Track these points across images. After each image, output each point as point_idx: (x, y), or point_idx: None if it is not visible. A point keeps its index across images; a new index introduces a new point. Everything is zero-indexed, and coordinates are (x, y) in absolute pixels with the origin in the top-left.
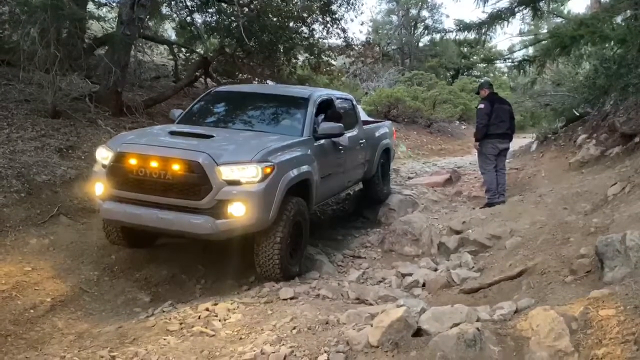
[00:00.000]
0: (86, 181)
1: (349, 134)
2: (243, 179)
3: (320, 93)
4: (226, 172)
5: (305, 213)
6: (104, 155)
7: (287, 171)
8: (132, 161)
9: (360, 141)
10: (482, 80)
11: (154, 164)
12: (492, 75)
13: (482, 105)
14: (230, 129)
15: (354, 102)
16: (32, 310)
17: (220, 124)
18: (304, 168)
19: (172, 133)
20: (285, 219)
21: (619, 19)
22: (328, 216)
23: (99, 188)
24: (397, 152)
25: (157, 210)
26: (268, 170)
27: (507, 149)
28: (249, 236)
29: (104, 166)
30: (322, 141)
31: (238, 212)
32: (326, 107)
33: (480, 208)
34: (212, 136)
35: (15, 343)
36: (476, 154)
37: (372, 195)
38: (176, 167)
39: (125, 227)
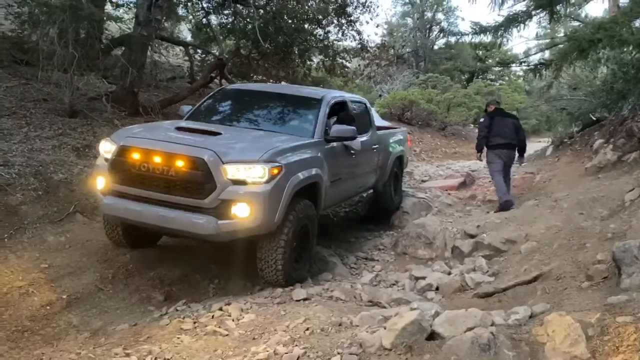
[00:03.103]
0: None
1: (361, 138)
2: (249, 178)
3: (334, 94)
4: (232, 171)
5: (313, 217)
6: (107, 148)
7: (295, 173)
8: (135, 155)
9: (374, 146)
10: (490, 99)
11: (157, 159)
12: (507, 78)
13: (481, 119)
14: (239, 128)
15: (368, 106)
16: (48, 307)
17: (229, 122)
18: (313, 171)
19: (179, 129)
20: (292, 222)
21: (637, 23)
22: (341, 218)
23: (101, 182)
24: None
25: (159, 207)
26: (275, 171)
27: (512, 158)
28: (252, 239)
29: (106, 160)
30: (334, 144)
31: (242, 213)
32: (339, 110)
33: (495, 212)
34: (220, 133)
35: (32, 339)
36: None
37: (382, 204)
38: (180, 164)
39: (126, 225)
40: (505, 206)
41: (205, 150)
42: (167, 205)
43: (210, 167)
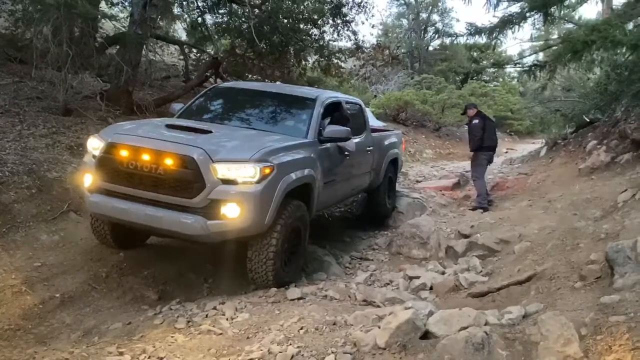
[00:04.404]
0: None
1: (356, 139)
2: (239, 178)
3: (329, 95)
4: (222, 170)
5: (306, 218)
6: (95, 145)
7: (287, 173)
8: (123, 153)
9: (368, 148)
10: (467, 103)
11: (145, 156)
12: (501, 80)
13: (476, 121)
14: (231, 126)
15: (363, 107)
16: (41, 306)
17: (221, 121)
18: (306, 171)
19: (169, 126)
20: (283, 224)
21: (631, 25)
22: (336, 218)
23: (88, 179)
24: (422, 155)
25: (146, 206)
26: (267, 170)
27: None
28: (242, 240)
29: (94, 157)
30: (328, 145)
31: (232, 213)
32: (334, 110)
33: (469, 210)
34: (211, 132)
35: (25, 337)
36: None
37: (375, 208)
38: (169, 162)
39: (114, 224)
40: (482, 208)
41: (194, 149)
42: (155, 204)
43: (199, 166)
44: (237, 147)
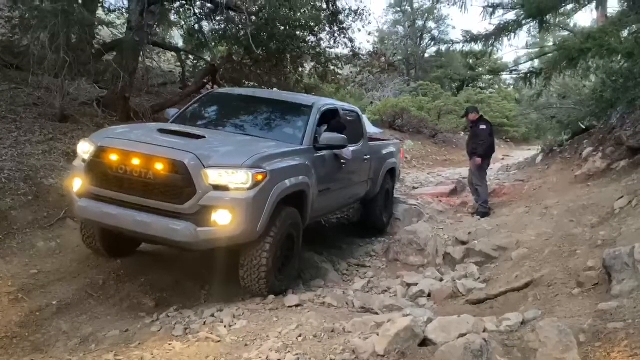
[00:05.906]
0: None
1: (352, 147)
2: (231, 184)
3: (325, 102)
4: (213, 176)
5: (299, 226)
6: (85, 149)
7: (281, 180)
8: (113, 157)
9: (365, 157)
10: (468, 106)
11: (135, 161)
12: (497, 87)
13: (483, 127)
14: (225, 132)
15: (360, 115)
16: (38, 313)
17: (215, 127)
18: (301, 179)
19: (161, 131)
20: (276, 231)
21: (625, 33)
22: (332, 224)
23: (77, 184)
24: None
25: (135, 212)
26: (260, 177)
27: None
28: (234, 248)
29: (84, 161)
30: (323, 152)
31: (223, 220)
32: (330, 118)
33: (475, 214)
34: (204, 137)
35: (21, 345)
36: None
37: (369, 219)
38: (159, 167)
39: (103, 231)
40: (486, 213)
41: (186, 153)
42: (144, 209)
43: (190, 171)
44: (230, 153)
